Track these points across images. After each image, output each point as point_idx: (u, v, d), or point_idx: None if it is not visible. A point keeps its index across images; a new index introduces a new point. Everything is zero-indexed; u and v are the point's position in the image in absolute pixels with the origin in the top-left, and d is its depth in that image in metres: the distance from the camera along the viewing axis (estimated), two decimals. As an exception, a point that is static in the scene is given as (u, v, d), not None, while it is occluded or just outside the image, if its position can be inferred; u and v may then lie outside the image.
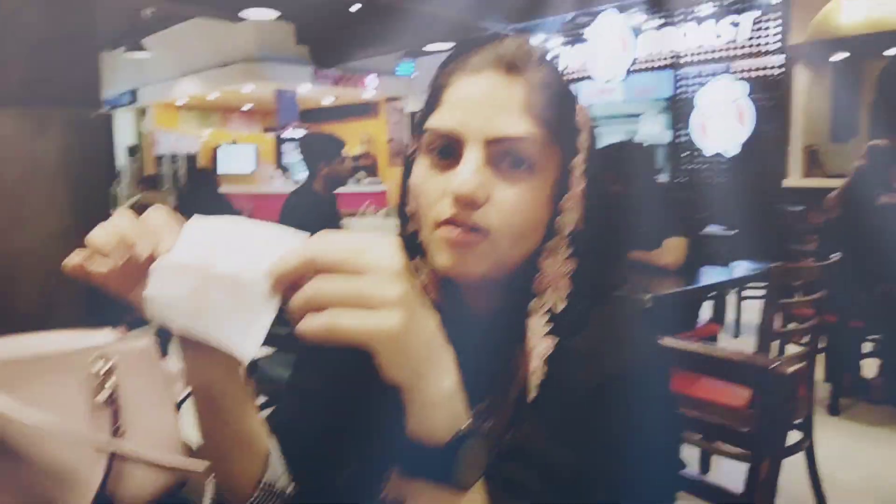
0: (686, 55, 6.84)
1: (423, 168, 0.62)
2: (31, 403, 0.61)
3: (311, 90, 10.11)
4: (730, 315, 4.41)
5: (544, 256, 0.62)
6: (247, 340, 0.57)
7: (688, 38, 6.81)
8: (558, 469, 0.57)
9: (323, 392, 0.75)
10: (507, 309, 0.63)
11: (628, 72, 7.35)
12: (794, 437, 2.15)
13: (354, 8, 7.69)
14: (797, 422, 2.15)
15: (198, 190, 5.33)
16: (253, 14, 7.23)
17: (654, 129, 7.58)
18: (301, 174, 9.75)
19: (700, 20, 6.68)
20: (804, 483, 2.19)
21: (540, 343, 0.60)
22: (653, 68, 7.15)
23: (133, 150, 12.14)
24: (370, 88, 10.31)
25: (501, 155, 0.58)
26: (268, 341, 2.39)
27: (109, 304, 0.61)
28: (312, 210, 2.97)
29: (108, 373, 0.67)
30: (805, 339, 2.29)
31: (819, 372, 3.05)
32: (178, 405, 0.77)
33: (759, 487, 0.94)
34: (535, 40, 8.31)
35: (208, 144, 10.88)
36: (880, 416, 3.06)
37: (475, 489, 0.50)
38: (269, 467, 0.68)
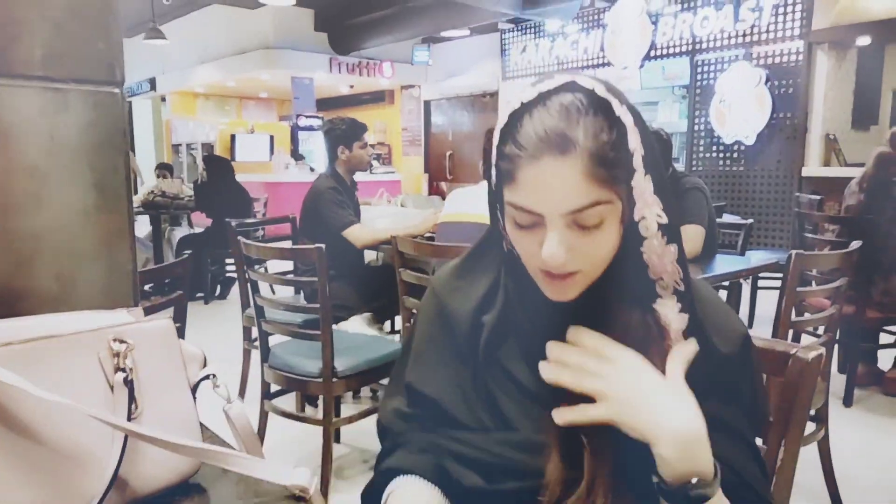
0: (705, 41, 6.74)
1: (511, 226, 0.72)
2: (48, 383, 0.62)
3: (328, 78, 10.10)
4: (743, 304, 4.39)
5: (646, 255, 0.71)
6: None
7: (707, 23, 6.70)
8: (721, 422, 0.71)
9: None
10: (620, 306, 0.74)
11: (646, 58, 7.27)
12: (808, 427, 2.13)
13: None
14: (812, 412, 2.14)
15: (214, 178, 5.37)
16: (271, 0, 7.22)
17: (672, 117, 7.50)
18: (316, 163, 9.82)
19: (719, 5, 6.57)
20: (818, 474, 2.18)
21: (675, 320, 0.72)
22: (671, 55, 7.06)
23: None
24: (386, 76, 10.29)
25: (577, 218, 0.67)
26: (283, 329, 2.40)
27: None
28: (336, 195, 2.99)
29: (125, 354, 0.68)
30: (821, 330, 2.27)
31: (833, 363, 3.02)
32: (195, 388, 0.78)
33: (775, 477, 0.94)
34: (551, 27, 8.23)
35: (225, 133, 10.93)
36: (895, 407, 3.03)
37: None
38: None
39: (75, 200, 0.82)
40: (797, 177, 6.09)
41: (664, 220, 0.70)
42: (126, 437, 0.66)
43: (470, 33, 9.28)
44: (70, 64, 0.79)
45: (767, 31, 6.24)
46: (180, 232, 5.61)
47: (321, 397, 2.28)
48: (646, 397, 0.67)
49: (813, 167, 6.07)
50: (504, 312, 0.78)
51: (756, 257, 2.78)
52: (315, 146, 10.51)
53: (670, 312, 0.72)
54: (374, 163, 9.81)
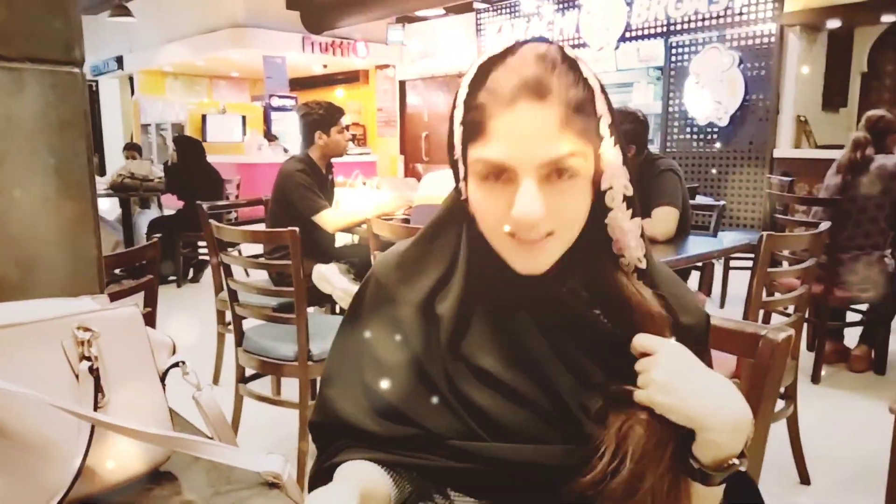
0: (679, 23, 6.76)
1: (476, 187, 0.67)
2: (10, 373, 0.60)
3: (301, 57, 9.93)
4: (716, 285, 4.46)
5: (611, 227, 0.70)
6: None
7: (681, 4, 6.72)
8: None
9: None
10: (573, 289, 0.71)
11: (622, 39, 7.28)
12: (778, 405, 2.18)
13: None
14: (781, 390, 2.19)
15: (185, 159, 5.27)
16: (240, -23, 7.05)
17: (647, 99, 7.54)
18: (290, 143, 9.68)
19: (694, -13, 6.59)
20: (786, 449, 2.24)
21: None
22: (646, 36, 7.07)
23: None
24: (361, 56, 10.15)
25: (550, 172, 0.64)
26: (257, 313, 2.37)
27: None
28: (305, 178, 2.94)
29: (90, 342, 0.66)
30: (791, 309, 2.32)
31: (803, 341, 3.09)
32: (164, 375, 0.76)
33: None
34: (527, 7, 8.19)
35: (195, 113, 10.72)
36: (860, 383, 3.11)
37: None
38: None
39: (35, 185, 0.79)
40: (769, 158, 6.18)
41: (630, 191, 0.69)
42: (93, 427, 0.64)
43: (445, 13, 9.19)
44: (23, 42, 0.76)
45: (740, 14, 6.29)
46: (151, 214, 5.50)
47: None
48: (695, 384, 0.63)
49: (784, 149, 6.17)
50: (464, 300, 0.72)
51: (728, 238, 2.81)
52: (289, 127, 10.35)
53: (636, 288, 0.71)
54: (350, 144, 9.72)
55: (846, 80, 6.51)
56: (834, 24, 6.03)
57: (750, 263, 2.10)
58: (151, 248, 1.85)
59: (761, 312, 2.54)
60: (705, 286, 3.24)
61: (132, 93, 12.30)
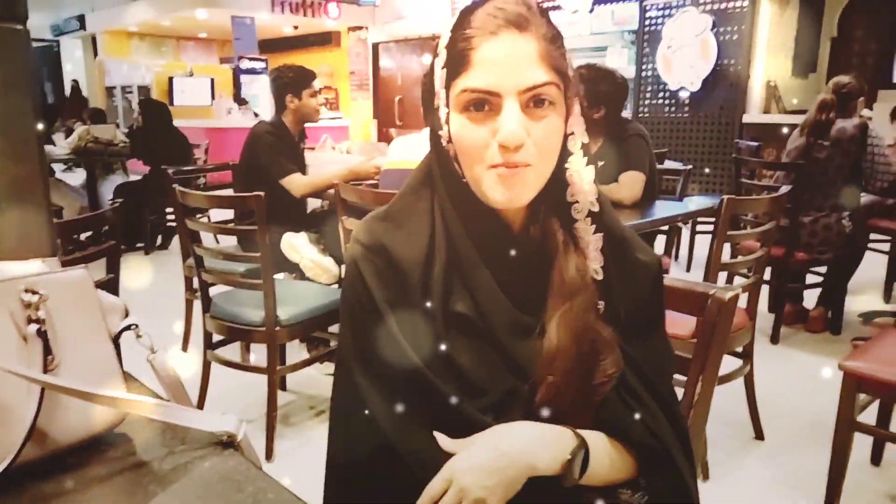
0: (653, -14, 6.72)
1: (460, 122, 0.72)
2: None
3: (271, 18, 9.68)
4: (683, 249, 4.54)
5: (569, 172, 0.76)
6: None
7: (655, -32, 6.66)
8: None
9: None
10: (550, 220, 0.77)
11: (596, 2, 7.21)
12: (735, 363, 2.26)
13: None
14: (738, 350, 2.26)
15: (151, 123, 5.15)
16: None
17: (621, 63, 7.51)
18: (260, 108, 9.49)
19: (668, -51, 6.53)
20: (743, 406, 2.32)
21: (592, 241, 0.77)
22: (620, -1, 7.02)
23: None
24: (332, 17, 9.92)
25: (530, 100, 0.70)
26: (224, 279, 2.36)
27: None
28: (275, 140, 2.90)
29: (37, 305, 0.66)
30: (751, 271, 2.37)
31: (763, 304, 3.18)
32: (117, 338, 0.76)
33: (692, 410, 0.99)
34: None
35: (162, 75, 10.43)
36: (817, 343, 3.22)
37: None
38: None
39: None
40: (738, 123, 6.24)
41: (586, 139, 0.76)
42: (43, 390, 0.65)
43: (418, -27, 9.00)
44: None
45: (714, -23, 6.26)
46: (116, 180, 5.38)
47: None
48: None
49: (754, 114, 6.22)
50: (449, 255, 0.75)
51: (694, 203, 2.86)
52: (259, 90, 10.14)
53: (585, 235, 0.77)
54: (322, 108, 9.55)
55: (816, 46, 6.56)
56: (805, -12, 6.04)
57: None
58: (113, 213, 1.83)
59: (724, 275, 2.60)
60: (671, 250, 3.30)
61: (95, 54, 11.91)
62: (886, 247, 3.82)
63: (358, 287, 0.77)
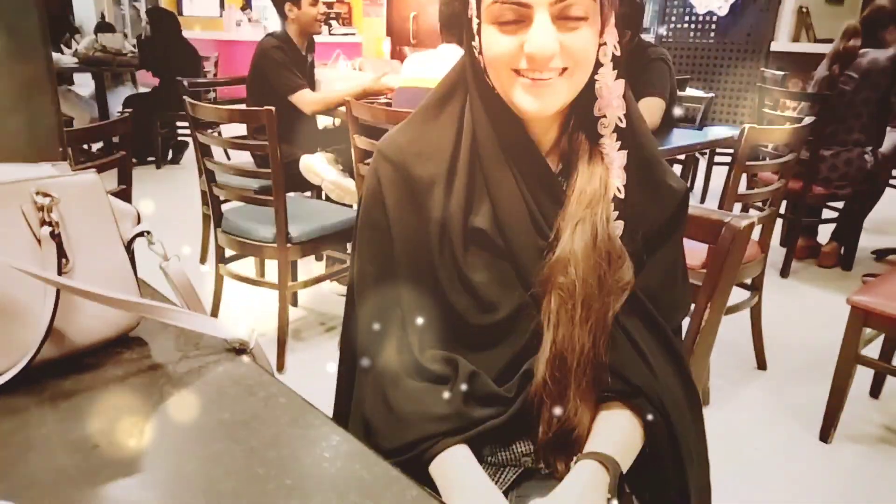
0: None
1: (491, 33, 0.71)
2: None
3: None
4: (698, 181, 4.47)
5: (598, 84, 0.74)
6: None
7: None
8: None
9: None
10: (577, 134, 0.76)
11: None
12: (743, 295, 2.26)
13: None
14: (748, 281, 2.26)
15: (159, 33, 5.01)
16: None
17: (645, -17, 7.18)
18: (270, 20, 9.19)
19: None
20: (748, 337, 2.34)
21: (617, 157, 0.75)
22: (650, -87, 6.62)
23: None
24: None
25: (562, 12, 0.68)
26: (236, 194, 2.36)
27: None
28: (282, 55, 2.82)
29: (50, 207, 0.66)
30: (766, 204, 2.34)
31: (777, 237, 3.15)
32: (129, 244, 0.77)
33: (698, 337, 1.00)
34: None
35: (170, -17, 10.07)
36: (827, 279, 3.22)
37: None
38: None
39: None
40: (766, 51, 6.00)
41: (619, 52, 0.73)
42: (58, 291, 0.65)
43: None
44: None
45: None
46: (125, 92, 5.30)
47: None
48: None
49: (782, 42, 5.97)
50: (472, 166, 0.76)
51: (714, 132, 2.79)
52: (268, 2, 9.80)
53: (611, 151, 0.75)
54: (333, 23, 9.25)
55: (855, -31, 6.21)
56: None
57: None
58: (122, 123, 1.81)
59: (738, 206, 2.57)
60: (687, 180, 3.25)
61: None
62: (907, 184, 3.75)
63: (375, 200, 0.79)
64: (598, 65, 0.73)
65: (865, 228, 3.35)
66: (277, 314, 2.23)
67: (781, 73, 4.27)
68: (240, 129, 2.97)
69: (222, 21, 9.50)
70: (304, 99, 2.79)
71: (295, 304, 2.75)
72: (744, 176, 2.09)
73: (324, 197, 2.97)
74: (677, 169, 3.45)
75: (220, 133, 3.29)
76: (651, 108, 2.51)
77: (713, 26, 6.32)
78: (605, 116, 0.75)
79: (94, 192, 0.71)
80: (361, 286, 0.82)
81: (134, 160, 4.80)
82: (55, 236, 0.66)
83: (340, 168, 2.80)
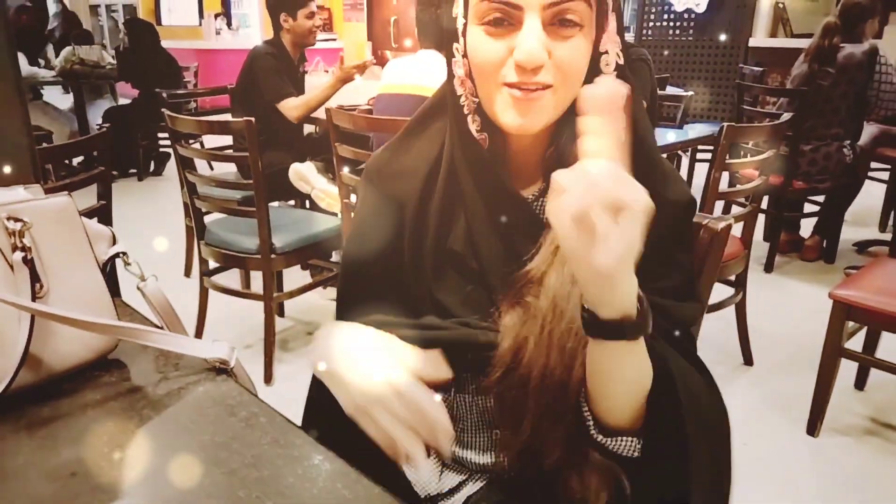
0: None
1: (477, 36, 0.66)
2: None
3: (258, -69, 9.19)
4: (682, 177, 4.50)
5: None
6: None
7: None
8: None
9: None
10: (566, 150, 0.70)
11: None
12: (727, 291, 2.28)
13: None
14: (731, 278, 2.28)
15: (137, 44, 4.98)
16: None
17: (623, -17, 7.23)
18: (252, 28, 9.15)
19: None
20: (733, 333, 2.36)
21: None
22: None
23: None
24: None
25: (555, 17, 0.64)
26: (218, 206, 2.34)
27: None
28: (273, 62, 2.82)
29: (22, 232, 0.65)
30: (748, 200, 2.36)
31: (759, 232, 3.18)
32: (105, 266, 0.76)
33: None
34: None
35: (148, -7, 10.00)
36: (811, 272, 3.25)
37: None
38: None
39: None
40: (744, 47, 6.06)
41: (622, 60, 0.70)
42: (33, 317, 0.64)
43: None
44: None
45: None
46: (105, 105, 5.25)
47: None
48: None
49: (760, 38, 6.03)
50: (450, 185, 0.74)
51: (694, 130, 2.81)
52: (249, 9, 9.76)
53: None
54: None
55: (828, -36, 6.29)
56: None
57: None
58: (101, 138, 1.79)
59: (721, 204, 2.59)
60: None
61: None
62: (886, 175, 3.79)
63: (360, 213, 0.81)
64: (597, 73, 0.69)
65: (847, 221, 3.38)
66: (264, 325, 2.22)
67: (760, 68, 4.31)
68: (224, 139, 2.96)
69: (202, 30, 9.45)
70: (287, 106, 2.79)
71: (282, 314, 2.74)
72: (725, 173, 2.11)
73: (308, 205, 2.97)
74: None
75: (202, 143, 3.27)
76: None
77: (692, 24, 6.37)
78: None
79: (68, 215, 0.70)
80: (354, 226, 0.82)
81: (115, 173, 4.75)
82: (28, 261, 0.65)
83: (330, 176, 2.80)
